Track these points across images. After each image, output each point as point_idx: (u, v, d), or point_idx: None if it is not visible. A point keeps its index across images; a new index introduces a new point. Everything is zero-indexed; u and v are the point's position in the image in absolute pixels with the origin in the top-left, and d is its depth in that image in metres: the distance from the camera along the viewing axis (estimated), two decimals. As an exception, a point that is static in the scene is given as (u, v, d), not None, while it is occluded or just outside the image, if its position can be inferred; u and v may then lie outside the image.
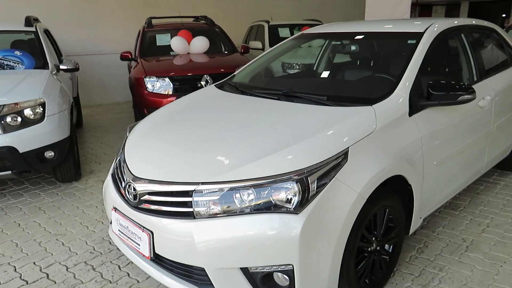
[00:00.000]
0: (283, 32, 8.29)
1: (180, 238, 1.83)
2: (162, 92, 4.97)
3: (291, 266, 1.75)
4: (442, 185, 2.62)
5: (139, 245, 2.02)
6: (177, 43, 5.75)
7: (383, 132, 2.10)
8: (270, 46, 7.93)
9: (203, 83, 5.05)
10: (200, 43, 5.83)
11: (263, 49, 7.87)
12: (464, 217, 3.09)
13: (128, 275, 2.46)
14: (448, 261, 2.53)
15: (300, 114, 2.28)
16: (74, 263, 2.59)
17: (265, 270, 1.78)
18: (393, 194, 2.15)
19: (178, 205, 1.88)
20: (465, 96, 2.28)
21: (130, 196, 2.04)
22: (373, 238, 2.10)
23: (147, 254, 1.98)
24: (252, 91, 2.78)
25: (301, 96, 2.50)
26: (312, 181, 1.77)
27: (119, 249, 2.68)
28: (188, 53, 5.89)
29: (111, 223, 2.29)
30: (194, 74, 5.09)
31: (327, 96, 2.41)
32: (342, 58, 3.41)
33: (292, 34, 8.43)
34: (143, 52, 5.88)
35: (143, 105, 5.04)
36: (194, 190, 1.84)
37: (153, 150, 2.21)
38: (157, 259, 2.00)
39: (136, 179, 2.02)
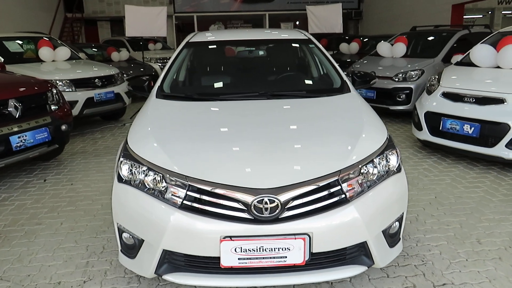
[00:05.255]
0: (13, 46, 6.86)
1: (345, 223, 1.97)
2: (-50, 131, 3.47)
3: (403, 213, 2.27)
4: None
5: (285, 257, 1.93)
6: None
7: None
8: (4, 61, 6.46)
9: (10, 109, 3.86)
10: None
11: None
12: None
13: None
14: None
15: (315, 105, 2.68)
16: None
17: (390, 225, 2.20)
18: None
19: (329, 198, 1.98)
20: (374, 80, 3.34)
21: (266, 212, 1.89)
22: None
23: (300, 260, 1.94)
24: (227, 96, 2.81)
25: (283, 94, 2.84)
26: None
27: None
28: None
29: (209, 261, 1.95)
30: (-6, 100, 3.80)
31: (305, 91, 2.89)
32: (261, 61, 3.74)
33: (23, 48, 7.10)
34: None
35: None
36: (338, 178, 2.01)
37: (248, 161, 2.05)
38: (308, 263, 1.98)
39: (274, 190, 1.90)
